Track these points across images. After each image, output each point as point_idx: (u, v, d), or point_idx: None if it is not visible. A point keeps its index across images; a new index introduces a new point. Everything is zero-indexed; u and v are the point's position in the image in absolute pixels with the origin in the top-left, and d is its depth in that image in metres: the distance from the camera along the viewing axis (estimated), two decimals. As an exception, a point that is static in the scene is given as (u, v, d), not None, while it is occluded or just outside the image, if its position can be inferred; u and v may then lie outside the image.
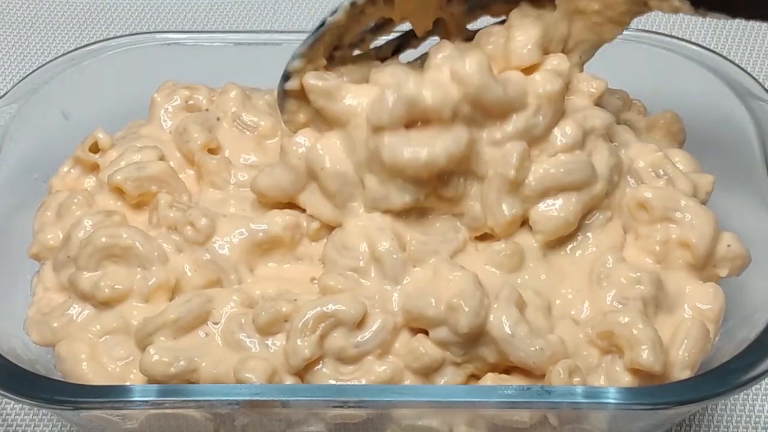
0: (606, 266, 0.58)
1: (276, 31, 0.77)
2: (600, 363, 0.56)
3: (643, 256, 0.60)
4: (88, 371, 0.57)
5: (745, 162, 0.65)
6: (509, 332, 0.55)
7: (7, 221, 0.66)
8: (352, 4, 0.61)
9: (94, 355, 0.58)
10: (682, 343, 0.56)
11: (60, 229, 0.63)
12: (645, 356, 0.54)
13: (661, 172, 0.62)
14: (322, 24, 0.61)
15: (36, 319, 0.60)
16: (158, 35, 0.73)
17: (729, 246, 0.59)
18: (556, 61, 0.60)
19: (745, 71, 0.69)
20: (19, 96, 0.69)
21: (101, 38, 0.75)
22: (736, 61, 0.71)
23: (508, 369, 0.57)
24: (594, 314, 0.57)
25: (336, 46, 0.63)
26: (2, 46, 0.92)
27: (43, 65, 0.72)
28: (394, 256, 0.58)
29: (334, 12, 0.61)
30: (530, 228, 0.60)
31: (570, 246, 0.60)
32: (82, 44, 0.75)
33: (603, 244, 0.60)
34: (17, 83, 0.70)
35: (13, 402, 0.68)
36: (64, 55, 0.72)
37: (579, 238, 0.60)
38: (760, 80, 0.69)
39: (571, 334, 0.56)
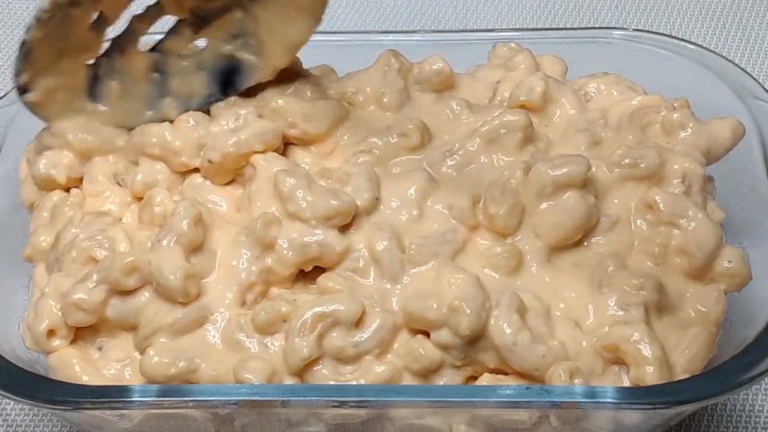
0: (607, 272, 0.58)
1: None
2: (604, 372, 0.56)
3: (644, 258, 0.60)
4: (81, 373, 0.57)
5: (745, 162, 0.65)
6: (511, 340, 0.55)
7: (8, 221, 0.66)
8: (39, 19, 0.59)
9: (86, 359, 0.58)
10: (686, 349, 0.57)
11: (53, 230, 0.62)
12: (650, 376, 0.54)
13: (687, 184, 0.62)
14: (23, 43, 0.60)
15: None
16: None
17: (729, 262, 0.59)
18: None
19: (745, 71, 0.69)
20: (20, 96, 0.69)
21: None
22: (736, 61, 0.71)
23: (506, 371, 0.57)
24: (598, 322, 0.57)
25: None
26: (2, 46, 0.92)
27: (43, 66, 0.72)
28: (393, 255, 0.58)
29: (27, 29, 0.60)
30: (534, 232, 0.60)
31: (575, 249, 0.60)
32: (82, 44, 0.75)
33: (608, 248, 0.60)
34: (17, 84, 0.70)
35: (13, 402, 0.68)
36: (64, 55, 0.72)
37: (585, 242, 0.60)
38: (760, 80, 0.69)
39: (573, 339, 0.56)
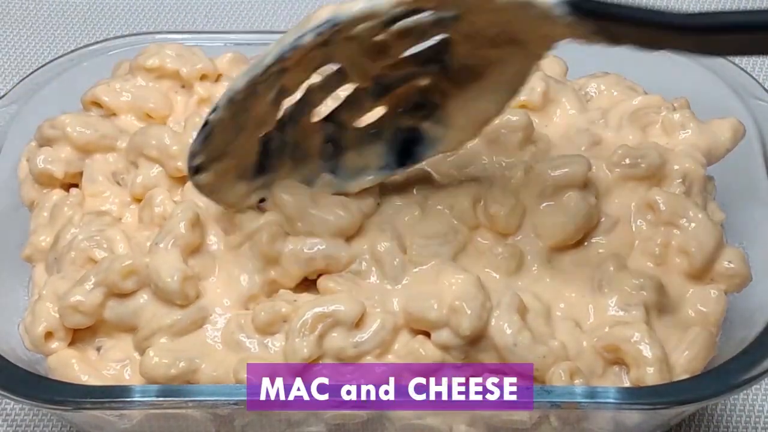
0: (607, 272, 0.58)
1: (275, 32, 0.76)
2: (605, 373, 0.56)
3: (644, 259, 0.60)
4: (80, 374, 0.57)
5: (745, 162, 0.65)
6: (511, 340, 0.55)
7: (8, 221, 0.66)
8: (230, 100, 0.54)
9: (85, 360, 0.58)
10: (686, 350, 0.57)
11: (52, 230, 0.62)
12: (651, 377, 0.54)
13: (688, 184, 0.62)
14: (206, 124, 0.55)
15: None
16: (158, 35, 0.73)
17: (729, 263, 0.59)
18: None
19: (745, 71, 0.69)
20: (19, 96, 0.69)
21: (101, 38, 0.75)
22: (736, 61, 0.70)
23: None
24: (599, 322, 0.57)
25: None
26: (2, 46, 0.92)
27: (43, 65, 0.72)
28: (395, 255, 0.58)
29: (214, 110, 0.54)
30: (535, 232, 0.60)
31: (575, 250, 0.60)
32: (82, 44, 0.75)
33: (608, 248, 0.60)
34: (17, 83, 0.70)
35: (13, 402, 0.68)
36: (64, 55, 0.72)
37: (585, 242, 0.60)
38: (760, 80, 0.69)
39: (574, 339, 0.56)
